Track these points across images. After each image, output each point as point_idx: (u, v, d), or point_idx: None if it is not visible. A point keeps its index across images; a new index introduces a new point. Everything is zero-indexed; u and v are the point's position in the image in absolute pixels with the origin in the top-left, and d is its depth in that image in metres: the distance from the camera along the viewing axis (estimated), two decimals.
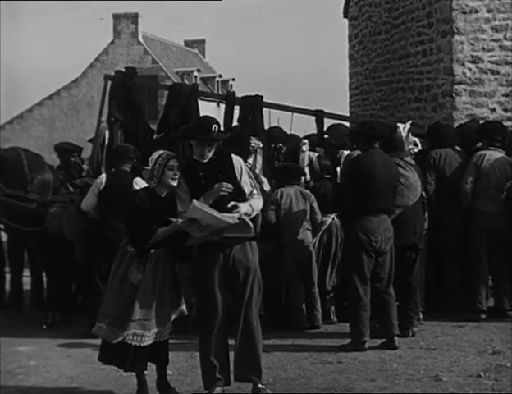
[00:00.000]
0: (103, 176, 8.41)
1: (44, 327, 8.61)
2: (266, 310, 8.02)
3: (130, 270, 5.90)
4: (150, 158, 6.03)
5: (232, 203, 5.77)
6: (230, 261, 5.86)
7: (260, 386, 5.93)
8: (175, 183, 5.92)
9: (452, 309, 8.69)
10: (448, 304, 8.78)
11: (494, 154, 8.74)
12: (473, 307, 8.58)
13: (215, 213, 5.68)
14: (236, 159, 6.01)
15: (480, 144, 9.05)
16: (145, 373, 6.11)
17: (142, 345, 5.81)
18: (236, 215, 5.77)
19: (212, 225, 5.69)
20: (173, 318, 5.97)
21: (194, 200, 5.70)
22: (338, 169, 9.22)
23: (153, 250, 5.91)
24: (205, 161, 5.91)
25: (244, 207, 5.83)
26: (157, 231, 5.85)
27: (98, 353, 6.10)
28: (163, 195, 5.99)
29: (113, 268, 6.03)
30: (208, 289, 5.85)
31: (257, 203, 5.98)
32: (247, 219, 5.80)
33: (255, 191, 6.00)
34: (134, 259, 5.93)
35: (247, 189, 5.95)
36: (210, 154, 5.91)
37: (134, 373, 6.29)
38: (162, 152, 6.03)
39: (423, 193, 8.27)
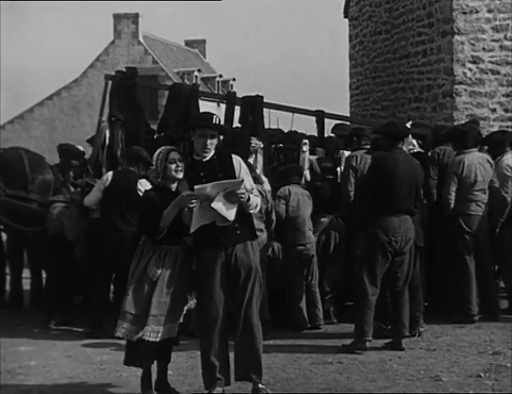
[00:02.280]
0: (110, 173, 8.41)
1: (53, 326, 8.60)
2: (270, 313, 8.01)
3: (149, 266, 5.92)
4: (153, 158, 6.07)
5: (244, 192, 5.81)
6: (232, 260, 5.87)
7: (260, 386, 5.93)
8: (179, 175, 5.94)
9: (445, 309, 8.66)
10: (441, 304, 8.76)
11: (471, 157, 8.66)
12: (465, 310, 8.54)
13: (217, 182, 5.73)
14: (236, 159, 6.04)
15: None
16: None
17: (157, 340, 5.82)
18: (239, 180, 5.82)
19: (211, 195, 5.68)
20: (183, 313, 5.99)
21: (195, 186, 5.71)
22: (338, 169, 9.23)
23: (176, 246, 5.93)
24: (206, 159, 5.92)
25: (253, 199, 5.90)
26: (164, 214, 5.82)
27: (125, 357, 6.05)
28: (174, 190, 5.99)
29: (133, 264, 6.04)
30: (209, 288, 5.85)
31: (256, 200, 6.00)
32: (226, 213, 5.76)
33: (254, 191, 6.02)
34: (153, 255, 5.95)
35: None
36: (212, 148, 5.92)
37: (134, 373, 6.30)
38: (161, 148, 6.08)
39: (421, 191, 8.27)
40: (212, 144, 5.93)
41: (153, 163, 6.08)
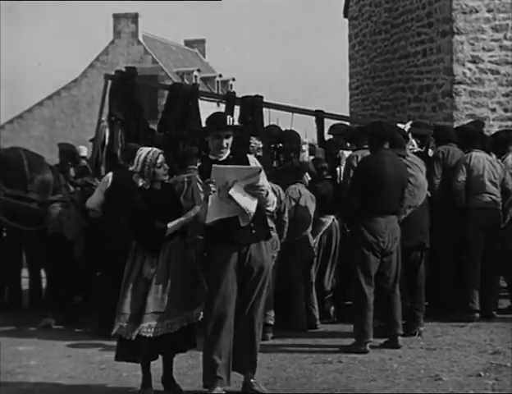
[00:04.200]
0: (110, 174, 8.38)
1: (53, 326, 8.59)
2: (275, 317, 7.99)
3: (144, 266, 5.97)
4: (136, 160, 6.14)
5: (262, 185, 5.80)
6: (246, 259, 5.88)
7: (252, 380, 6.00)
8: (167, 177, 6.18)
9: (445, 307, 8.68)
10: (441, 302, 8.77)
11: (479, 154, 8.77)
12: (466, 307, 8.56)
13: (235, 166, 5.74)
14: (252, 159, 6.07)
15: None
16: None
17: (155, 336, 5.85)
18: (258, 166, 5.84)
19: (229, 182, 5.67)
20: (200, 313, 6.01)
21: (213, 165, 5.72)
22: (338, 169, 9.22)
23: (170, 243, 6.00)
24: (222, 159, 5.91)
25: (271, 195, 5.92)
26: (168, 228, 5.95)
27: (115, 353, 6.12)
28: (159, 188, 6.14)
29: (127, 265, 6.08)
30: (219, 286, 5.84)
31: (273, 197, 6.01)
32: (246, 205, 5.74)
33: (269, 190, 5.99)
34: (147, 255, 6.00)
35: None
36: (227, 147, 5.92)
37: (134, 373, 6.30)
38: (146, 152, 6.16)
39: (428, 192, 8.28)
40: (227, 143, 5.93)
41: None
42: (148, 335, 5.84)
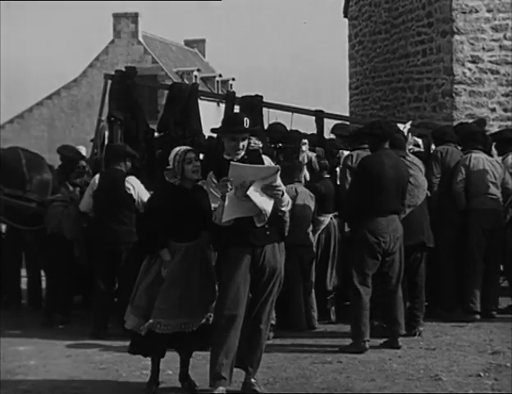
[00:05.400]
0: (97, 176, 8.41)
1: (60, 326, 8.59)
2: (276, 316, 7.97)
3: (162, 266, 5.99)
4: (169, 158, 6.13)
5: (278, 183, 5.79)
6: (260, 260, 5.87)
7: (252, 380, 6.00)
8: (196, 175, 6.06)
9: (445, 308, 8.68)
10: (441, 303, 8.77)
11: (479, 155, 8.78)
12: (466, 307, 8.57)
13: (254, 165, 5.72)
14: (266, 159, 6.06)
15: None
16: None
17: (165, 332, 5.85)
18: (276, 166, 5.85)
19: (246, 181, 5.64)
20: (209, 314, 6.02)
21: (231, 162, 5.71)
22: (337, 169, 9.22)
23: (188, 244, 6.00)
24: (236, 159, 5.88)
25: (286, 196, 5.91)
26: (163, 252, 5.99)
27: (129, 345, 6.14)
28: (190, 188, 6.09)
29: (145, 263, 6.10)
30: (231, 286, 5.82)
31: (287, 197, 6.01)
32: (263, 205, 5.72)
33: (284, 190, 5.97)
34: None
35: None
36: (243, 149, 5.92)
37: (134, 373, 6.30)
38: (177, 149, 6.14)
39: (428, 192, 8.28)
40: (243, 145, 5.93)
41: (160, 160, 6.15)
42: (159, 331, 5.84)
